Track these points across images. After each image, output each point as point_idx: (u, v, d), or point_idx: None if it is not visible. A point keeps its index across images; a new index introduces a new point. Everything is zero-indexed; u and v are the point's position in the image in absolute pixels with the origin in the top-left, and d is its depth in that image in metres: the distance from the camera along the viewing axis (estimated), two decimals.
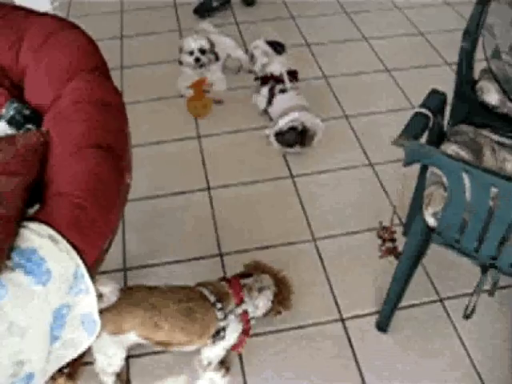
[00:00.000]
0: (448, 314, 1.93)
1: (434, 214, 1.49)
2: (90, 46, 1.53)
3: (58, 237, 1.14)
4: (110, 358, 1.60)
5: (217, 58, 2.83)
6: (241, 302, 1.61)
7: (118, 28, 3.40)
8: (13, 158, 1.27)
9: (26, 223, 1.16)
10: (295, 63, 3.01)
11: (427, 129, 1.53)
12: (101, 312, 1.38)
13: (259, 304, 1.63)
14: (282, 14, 3.55)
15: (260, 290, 1.63)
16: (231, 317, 1.60)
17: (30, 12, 1.62)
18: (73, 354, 1.29)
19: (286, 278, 1.74)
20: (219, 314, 1.58)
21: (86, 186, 1.21)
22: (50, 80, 1.46)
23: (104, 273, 2.04)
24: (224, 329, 1.60)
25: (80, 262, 1.17)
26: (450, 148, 1.65)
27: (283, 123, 2.48)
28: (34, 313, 1.10)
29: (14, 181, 1.22)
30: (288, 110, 2.51)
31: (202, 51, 2.72)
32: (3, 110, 1.49)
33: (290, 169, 2.48)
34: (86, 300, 1.22)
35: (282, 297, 1.71)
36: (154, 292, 1.56)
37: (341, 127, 2.69)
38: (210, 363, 1.69)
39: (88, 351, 1.80)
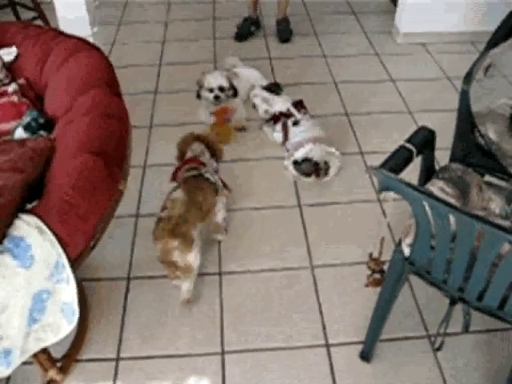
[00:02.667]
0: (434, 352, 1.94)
1: (409, 245, 1.54)
2: (104, 66, 1.69)
3: (45, 228, 1.28)
4: None
5: (235, 94, 2.98)
6: (203, 164, 2.17)
7: (158, 56, 3.63)
8: (20, 158, 1.42)
9: (20, 214, 1.30)
10: (319, 100, 3.15)
11: (409, 162, 1.60)
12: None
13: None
14: (315, 52, 3.70)
15: (202, 152, 2.24)
16: (214, 176, 2.19)
17: (59, 33, 1.81)
18: (53, 339, 1.41)
19: (207, 137, 2.34)
20: (212, 182, 2.13)
21: (78, 187, 1.35)
22: (65, 94, 1.63)
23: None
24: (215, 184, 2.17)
25: (62, 252, 1.29)
26: (437, 184, 1.71)
27: (299, 155, 2.60)
28: (15, 292, 1.22)
29: (17, 177, 1.37)
30: (304, 142, 2.63)
31: (221, 89, 2.89)
32: (23, 118, 1.67)
33: (298, 198, 2.56)
34: (67, 289, 1.34)
35: (215, 149, 2.34)
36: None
37: (355, 163, 2.77)
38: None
39: (81, 349, 1.93)
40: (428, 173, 1.78)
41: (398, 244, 1.61)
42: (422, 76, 3.44)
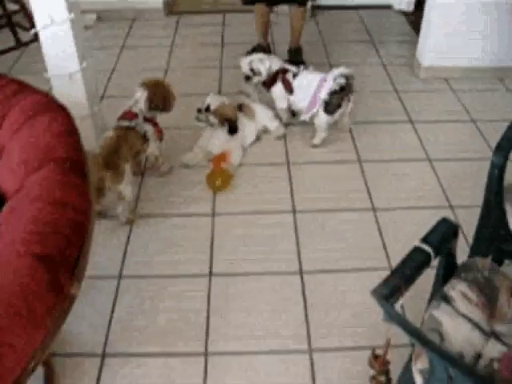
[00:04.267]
0: None
1: (422, 372, 1.26)
2: (65, 134, 1.43)
3: None
4: None
5: (233, 131, 2.78)
6: (135, 115, 2.43)
7: None
8: None
9: None
10: (329, 143, 2.89)
11: (427, 266, 1.32)
12: None
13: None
14: None
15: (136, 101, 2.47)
16: (144, 126, 2.46)
17: (22, 87, 1.56)
18: None
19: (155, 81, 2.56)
20: (139, 131, 2.44)
21: (9, 304, 1.09)
22: (17, 168, 1.37)
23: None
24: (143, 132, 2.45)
25: None
26: (458, 287, 1.42)
27: (324, 94, 2.66)
28: None
29: None
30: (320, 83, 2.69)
31: (207, 109, 2.72)
32: None
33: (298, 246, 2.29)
34: None
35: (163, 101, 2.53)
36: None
37: (366, 223, 2.47)
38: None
39: None
40: (448, 270, 1.48)
41: (408, 363, 1.33)
42: (443, 117, 3.13)
